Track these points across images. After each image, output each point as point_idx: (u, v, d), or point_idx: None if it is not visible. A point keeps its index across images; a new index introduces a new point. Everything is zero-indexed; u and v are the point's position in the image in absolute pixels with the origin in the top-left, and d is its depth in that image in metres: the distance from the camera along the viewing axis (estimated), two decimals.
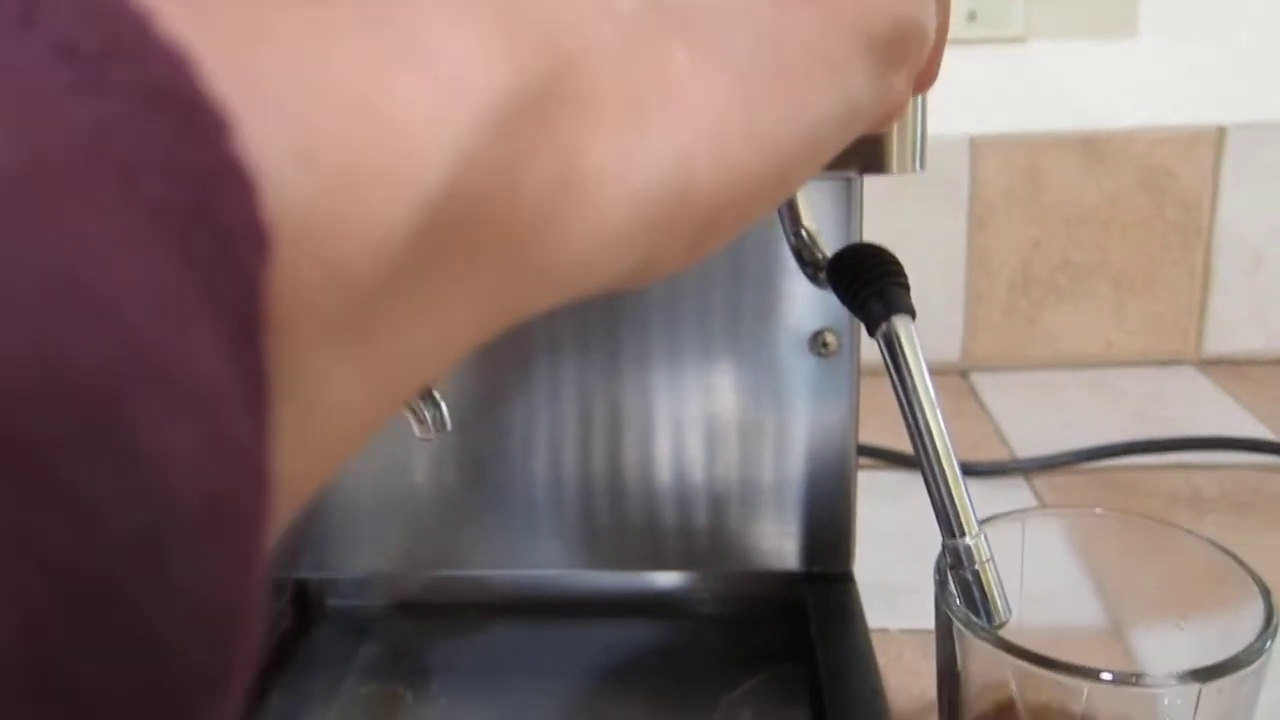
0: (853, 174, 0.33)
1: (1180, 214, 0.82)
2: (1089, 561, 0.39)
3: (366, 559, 0.53)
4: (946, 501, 0.34)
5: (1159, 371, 0.85)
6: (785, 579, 0.51)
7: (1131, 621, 0.40)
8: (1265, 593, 0.34)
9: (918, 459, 0.35)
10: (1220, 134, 0.81)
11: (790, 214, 0.41)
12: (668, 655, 0.50)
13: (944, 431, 0.34)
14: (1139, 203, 0.82)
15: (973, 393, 0.84)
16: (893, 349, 0.34)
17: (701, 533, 0.51)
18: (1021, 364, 0.86)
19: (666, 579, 0.52)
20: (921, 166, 0.31)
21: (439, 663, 0.51)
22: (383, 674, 0.50)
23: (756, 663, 0.49)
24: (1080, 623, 0.41)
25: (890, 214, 0.83)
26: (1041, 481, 0.69)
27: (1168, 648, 0.38)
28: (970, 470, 0.70)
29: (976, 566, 0.34)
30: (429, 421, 0.41)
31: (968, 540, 0.34)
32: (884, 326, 0.34)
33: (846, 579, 0.50)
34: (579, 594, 0.53)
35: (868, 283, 0.35)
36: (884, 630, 0.53)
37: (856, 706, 0.41)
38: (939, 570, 0.35)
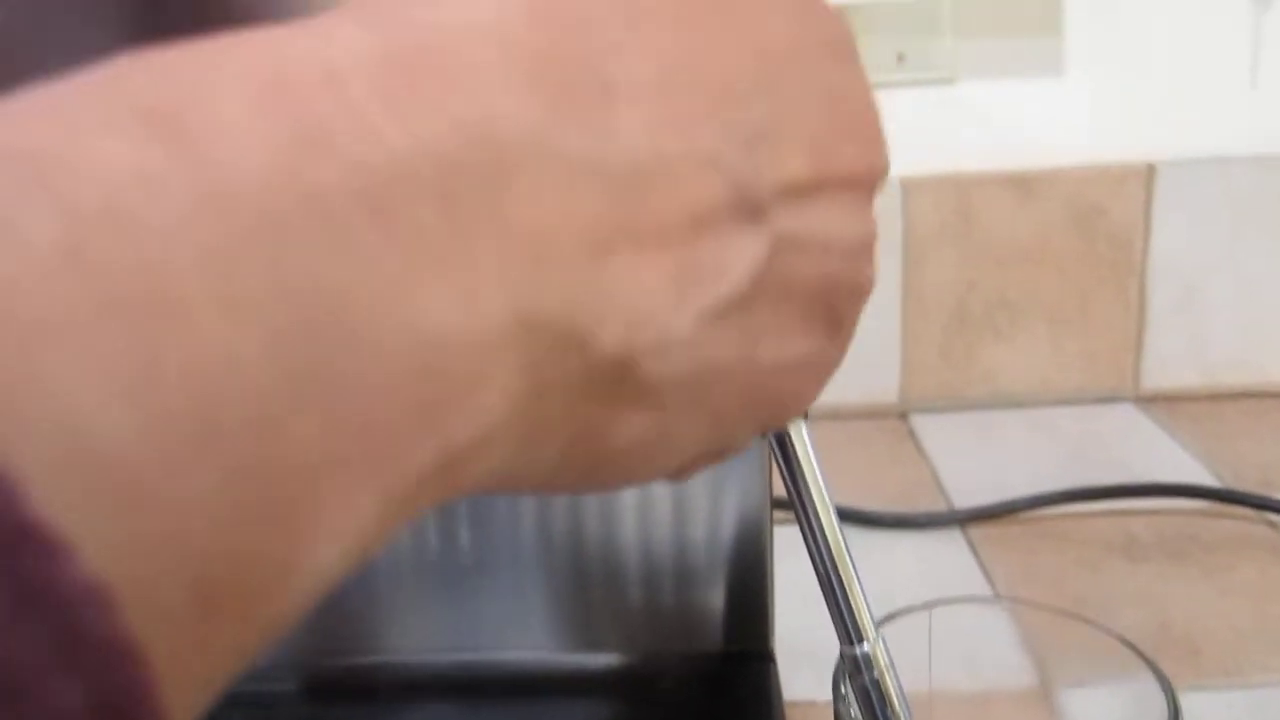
0: None
1: (1113, 250, 0.82)
2: (1000, 652, 0.38)
3: (280, 646, 0.51)
4: (843, 606, 0.33)
5: (1097, 409, 0.85)
6: (706, 658, 0.49)
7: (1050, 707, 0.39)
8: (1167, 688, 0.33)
9: (812, 561, 0.33)
10: (1150, 170, 0.80)
11: None
12: None
13: (838, 534, 0.33)
14: (1071, 240, 0.82)
15: (911, 435, 0.83)
16: (784, 449, 0.33)
17: (620, 613, 0.49)
18: (959, 404, 0.86)
19: (586, 659, 0.51)
20: None
21: None
22: None
23: None
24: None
25: None
26: (977, 532, 0.68)
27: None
28: (906, 522, 0.69)
29: (876, 675, 0.33)
30: None
31: (866, 647, 0.33)
32: (772, 433, 0.33)
33: (766, 658, 0.49)
34: (495, 676, 0.51)
35: None
36: (810, 703, 0.52)
37: None
38: (836, 678, 0.34)
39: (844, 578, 0.33)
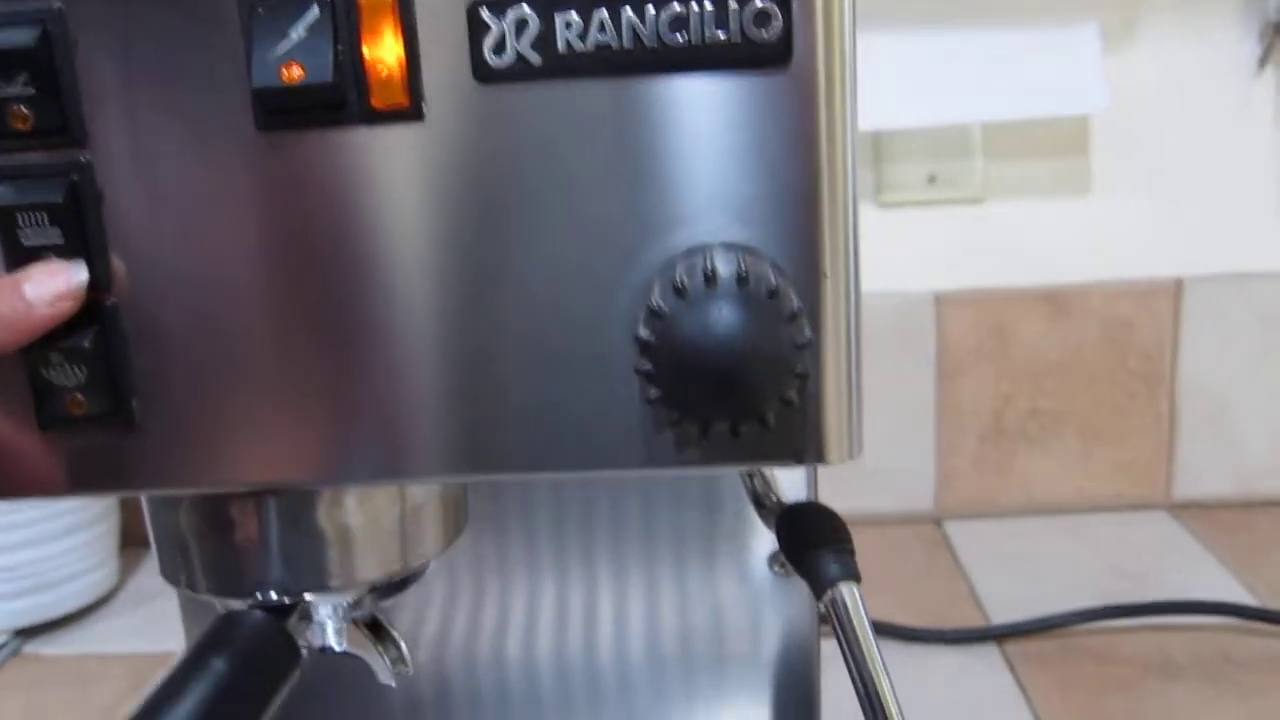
0: (790, 464, 0.34)
1: (1142, 363, 0.84)
2: None
3: None
4: None
5: (1130, 517, 0.86)
6: None
7: None
8: None
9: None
10: (1177, 286, 0.83)
11: None
12: None
13: (893, 695, 0.35)
14: (1102, 353, 0.84)
15: (946, 543, 0.84)
16: (839, 615, 0.35)
17: None
18: (994, 511, 0.87)
19: None
20: (857, 455, 0.32)
21: None
22: None
23: None
24: None
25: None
26: (1014, 648, 0.69)
27: None
28: (943, 638, 0.70)
29: None
30: (389, 665, 0.41)
31: None
32: (829, 594, 0.35)
33: None
34: None
35: (814, 546, 0.36)
36: None
37: None
38: None
39: None
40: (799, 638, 0.49)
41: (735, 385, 0.28)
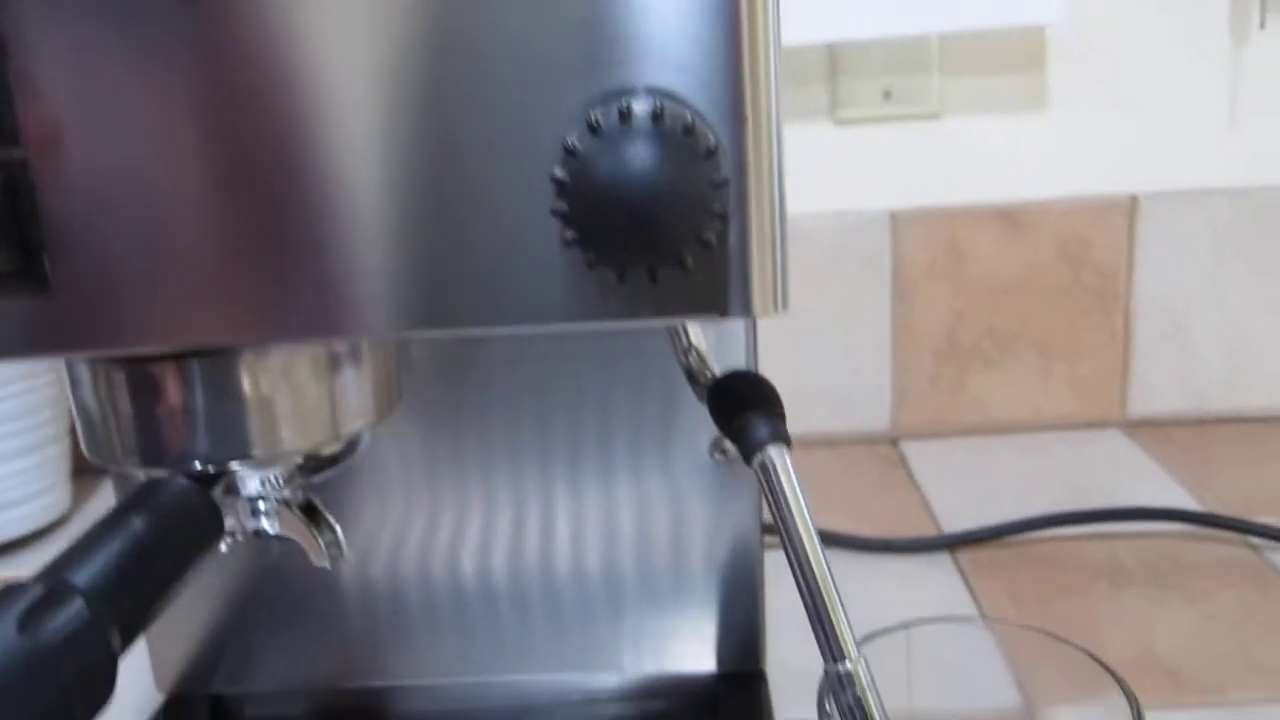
0: (714, 318, 0.34)
1: (1098, 280, 0.84)
2: (979, 673, 0.39)
3: (281, 672, 0.53)
4: (827, 628, 0.35)
5: (1085, 435, 0.87)
6: (697, 680, 0.51)
7: None
8: (1135, 705, 0.35)
9: (797, 585, 0.35)
10: (1132, 203, 0.83)
11: (681, 333, 0.41)
12: None
13: (821, 559, 0.35)
14: (1058, 271, 0.84)
15: (902, 462, 0.84)
16: (769, 477, 0.35)
17: (613, 637, 0.51)
18: (950, 431, 0.88)
19: (584, 680, 0.52)
20: (784, 308, 0.32)
21: None
22: None
23: None
24: None
25: (817, 288, 0.84)
26: (965, 556, 0.70)
27: None
28: (894, 546, 0.70)
29: (857, 693, 0.35)
30: (324, 549, 0.41)
31: (848, 665, 0.35)
32: (759, 456, 0.35)
33: (757, 678, 0.50)
34: (491, 700, 0.52)
35: (742, 412, 0.35)
36: None
37: None
38: (820, 696, 0.36)
39: (826, 598, 0.35)
40: (742, 526, 0.49)
41: (650, 222, 0.28)
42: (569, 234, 0.29)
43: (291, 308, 0.31)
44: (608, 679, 0.52)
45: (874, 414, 0.87)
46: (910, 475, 0.82)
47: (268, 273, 0.31)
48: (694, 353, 0.41)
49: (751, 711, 0.49)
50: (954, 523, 0.73)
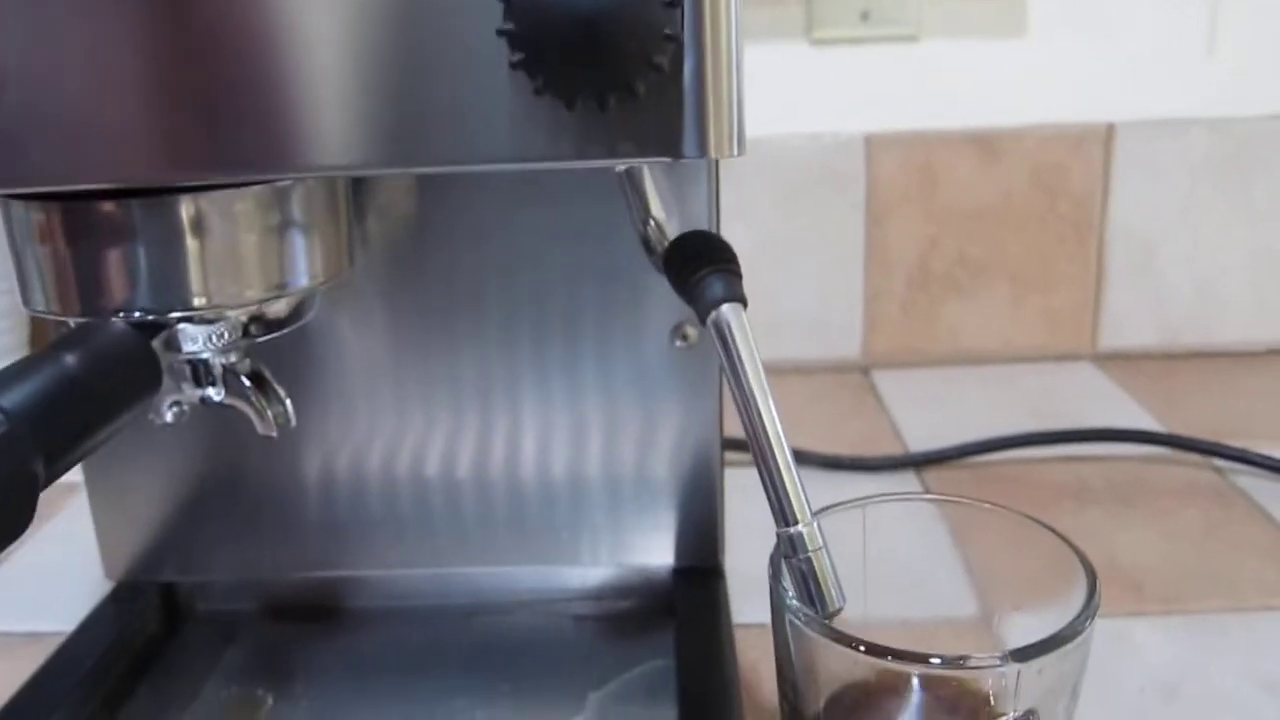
0: (667, 160, 0.33)
1: (1073, 210, 0.83)
2: (933, 549, 0.39)
3: (234, 562, 0.52)
4: (779, 490, 0.34)
5: (1056, 367, 0.86)
6: (655, 574, 0.51)
7: (984, 607, 0.40)
8: (1091, 578, 0.34)
9: (750, 448, 0.34)
10: (1109, 131, 0.82)
11: (639, 202, 0.40)
12: (536, 653, 0.49)
13: (775, 419, 0.34)
14: (1033, 199, 0.83)
15: (872, 389, 0.84)
16: (723, 336, 0.34)
17: (570, 529, 0.50)
18: (921, 360, 0.87)
19: (536, 575, 0.52)
20: (741, 151, 0.31)
21: (305, 665, 0.50)
22: (246, 677, 0.49)
23: (625, 659, 0.48)
24: (940, 611, 0.41)
25: (789, 213, 0.83)
26: (931, 475, 0.70)
27: (1019, 629, 0.38)
28: (861, 465, 0.70)
29: (809, 554, 0.34)
30: (271, 418, 0.40)
31: (800, 528, 0.34)
32: (714, 315, 0.34)
33: (715, 574, 0.50)
34: (449, 593, 0.52)
35: (697, 269, 0.35)
36: (761, 625, 0.53)
37: (709, 702, 0.41)
38: (773, 560, 0.35)
39: (779, 461, 0.34)
40: (704, 421, 0.48)
41: (596, 39, 0.27)
42: (515, 56, 0.28)
43: (231, 143, 0.30)
44: (567, 573, 0.52)
45: (845, 341, 0.87)
46: (880, 401, 0.82)
47: (206, 105, 0.30)
48: (653, 222, 0.40)
49: (708, 605, 0.48)
50: (922, 445, 0.73)
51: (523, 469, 0.50)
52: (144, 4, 0.29)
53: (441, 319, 0.48)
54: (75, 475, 0.72)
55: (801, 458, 0.70)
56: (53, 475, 0.28)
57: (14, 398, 0.27)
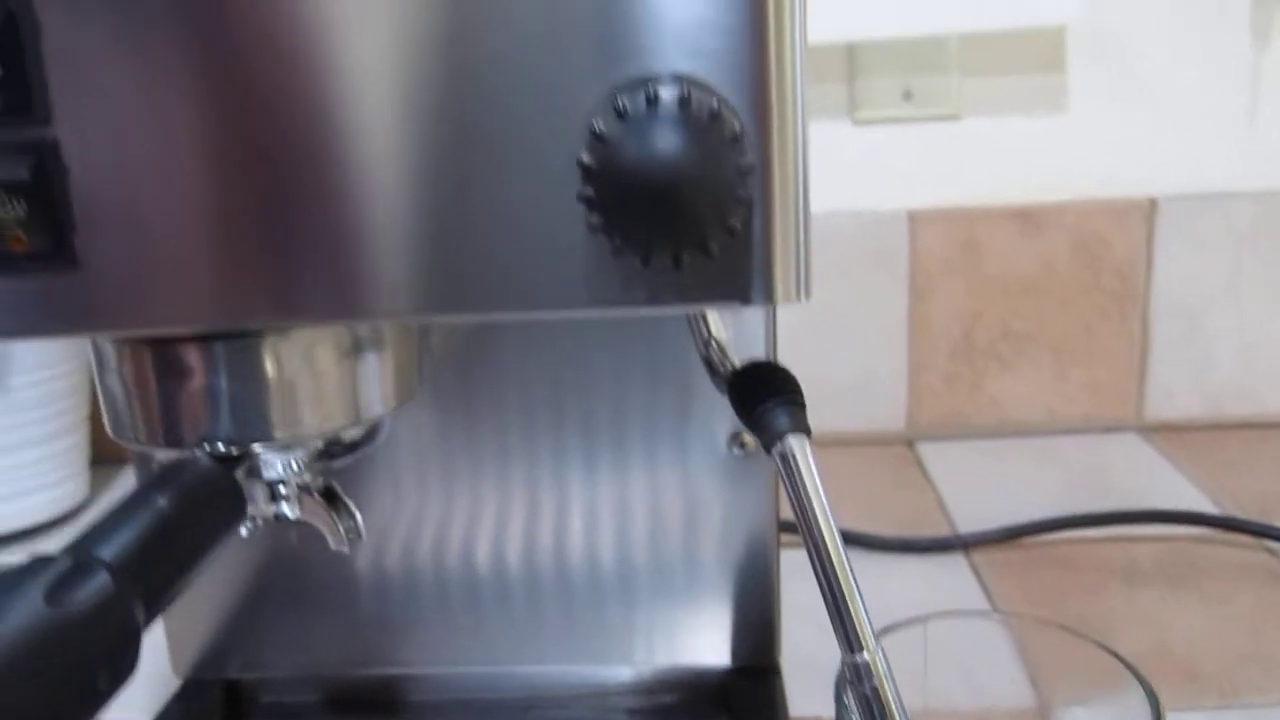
0: (737, 305, 0.34)
1: (1116, 282, 0.84)
2: (995, 665, 0.39)
3: (296, 658, 0.53)
4: (845, 617, 0.35)
5: (1101, 438, 0.86)
6: (712, 674, 0.51)
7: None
8: (1154, 702, 0.35)
9: (815, 574, 0.35)
10: (1151, 205, 0.82)
11: (701, 325, 0.41)
12: None
13: (839, 547, 0.35)
14: (1075, 271, 0.83)
15: (917, 462, 0.84)
16: (788, 467, 0.35)
17: (626, 628, 0.51)
18: (965, 432, 0.87)
19: (598, 673, 0.52)
20: (807, 297, 0.32)
21: None
22: None
23: None
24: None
25: (833, 287, 0.84)
26: (980, 556, 0.70)
27: None
28: (910, 546, 0.70)
29: (875, 683, 0.35)
30: (343, 533, 0.41)
31: (865, 656, 0.35)
32: (779, 445, 0.35)
33: (772, 673, 0.50)
34: (504, 688, 0.53)
35: (764, 401, 0.35)
36: (816, 718, 0.53)
37: None
38: (838, 687, 0.36)
39: (844, 588, 0.35)
40: (758, 518, 0.49)
41: (676, 207, 0.28)
42: (595, 219, 0.29)
43: (314, 290, 0.31)
44: (620, 671, 0.52)
45: (889, 413, 0.87)
46: (925, 474, 0.82)
47: (291, 255, 0.31)
48: (714, 344, 0.41)
49: (765, 706, 0.49)
50: (969, 523, 0.73)
51: (574, 567, 0.50)
52: (235, 164, 0.30)
53: (492, 420, 0.49)
54: None
55: (849, 538, 0.71)
56: (151, 619, 0.29)
57: (114, 550, 0.29)
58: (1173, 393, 0.86)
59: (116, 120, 0.31)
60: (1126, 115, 0.82)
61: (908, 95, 0.81)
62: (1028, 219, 0.82)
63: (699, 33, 0.29)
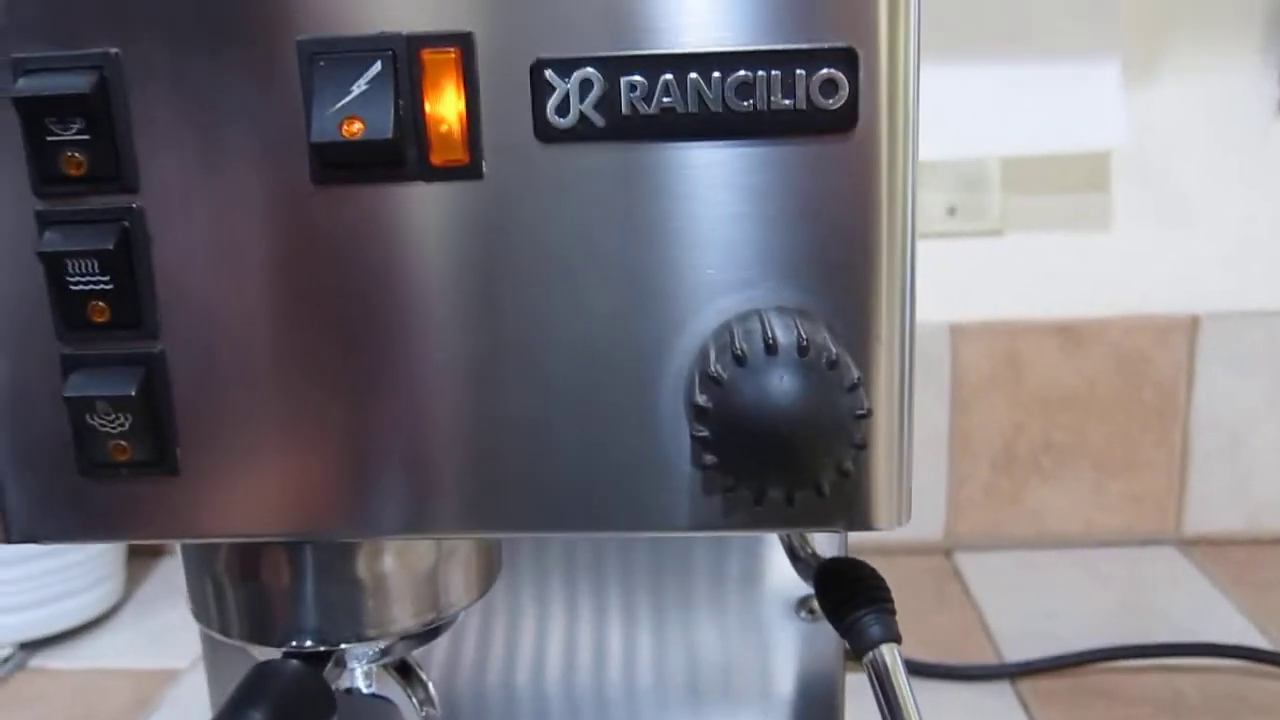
0: (838, 529, 0.34)
1: (1157, 397, 0.84)
2: None
3: None
4: None
5: (1139, 551, 0.86)
6: None
7: None
8: None
9: None
10: (1194, 322, 0.83)
11: None
12: None
13: None
14: (1116, 386, 0.84)
15: (956, 574, 0.84)
16: (880, 675, 0.35)
17: None
18: (1003, 543, 0.87)
19: None
20: (906, 521, 0.32)
21: None
22: None
23: None
24: None
25: None
26: (1026, 685, 0.69)
27: None
28: (955, 674, 0.70)
29: None
30: (417, 706, 0.41)
31: None
32: (872, 655, 0.35)
33: None
34: None
35: (855, 607, 0.35)
36: None
37: None
38: None
39: None
40: (825, 682, 0.49)
41: (795, 455, 0.28)
42: (709, 458, 0.29)
43: (417, 507, 0.31)
44: None
45: (928, 524, 0.87)
46: (965, 588, 0.82)
47: (391, 473, 0.31)
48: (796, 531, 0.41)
49: None
50: (1011, 644, 0.73)
51: (640, 709, 0.50)
52: (339, 389, 0.31)
53: (561, 575, 0.49)
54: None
55: (920, 670, 0.70)
56: None
57: None
58: (1212, 507, 0.86)
59: (217, 333, 0.31)
60: (1169, 234, 0.82)
61: (952, 211, 0.81)
62: (1069, 334, 0.83)
63: (807, 265, 0.30)
